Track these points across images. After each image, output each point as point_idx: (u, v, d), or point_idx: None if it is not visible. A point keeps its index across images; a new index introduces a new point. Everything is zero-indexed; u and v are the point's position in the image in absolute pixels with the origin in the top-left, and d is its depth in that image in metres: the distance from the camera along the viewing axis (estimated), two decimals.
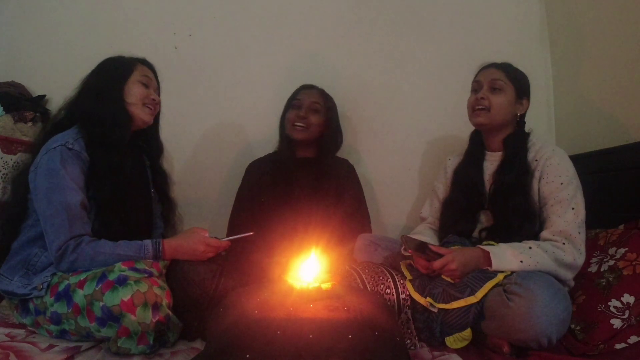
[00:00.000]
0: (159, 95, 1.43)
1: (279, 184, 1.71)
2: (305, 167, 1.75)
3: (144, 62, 1.40)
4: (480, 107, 1.41)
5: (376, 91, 2.10)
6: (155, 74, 1.43)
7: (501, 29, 2.10)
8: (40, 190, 1.17)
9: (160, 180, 1.49)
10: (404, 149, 2.09)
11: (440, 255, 1.25)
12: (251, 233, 1.36)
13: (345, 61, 2.09)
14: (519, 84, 1.42)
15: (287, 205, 1.67)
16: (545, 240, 1.27)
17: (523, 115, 1.44)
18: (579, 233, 1.26)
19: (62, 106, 1.34)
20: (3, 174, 1.63)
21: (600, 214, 1.45)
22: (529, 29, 2.11)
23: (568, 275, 1.25)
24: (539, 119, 2.07)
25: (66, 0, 2.06)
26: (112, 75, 1.33)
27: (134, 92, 1.32)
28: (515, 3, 2.12)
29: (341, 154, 1.92)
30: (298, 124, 1.72)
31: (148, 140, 1.46)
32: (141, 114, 1.34)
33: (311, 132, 1.73)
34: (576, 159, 1.38)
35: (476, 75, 1.48)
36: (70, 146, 1.19)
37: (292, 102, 1.77)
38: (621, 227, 1.41)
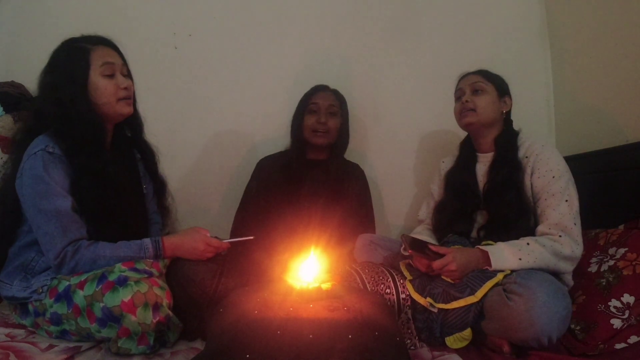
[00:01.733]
0: (128, 72, 1.26)
1: (288, 185, 1.70)
2: (315, 169, 1.74)
3: (98, 42, 1.22)
4: (466, 109, 1.45)
5: (378, 91, 2.09)
6: (115, 49, 1.24)
7: (501, 29, 2.10)
8: (28, 199, 1.13)
9: (147, 158, 1.39)
10: (406, 149, 2.09)
11: (440, 255, 1.26)
12: (252, 237, 1.34)
13: (346, 61, 2.09)
14: (498, 83, 1.48)
15: (293, 206, 1.67)
16: (542, 234, 1.28)
17: (509, 113, 1.49)
18: (575, 224, 1.27)
19: (30, 113, 1.21)
20: (3, 174, 1.63)
21: (600, 214, 1.45)
22: (529, 29, 2.12)
23: (568, 268, 1.26)
24: (539, 119, 2.07)
25: (66, 0, 2.06)
26: (69, 75, 1.17)
27: (100, 91, 1.19)
28: (515, 3, 2.12)
29: (345, 154, 1.92)
30: (319, 130, 1.70)
31: (128, 122, 1.33)
32: (118, 110, 1.23)
33: (331, 136, 1.72)
34: (576, 159, 1.38)
35: (457, 85, 1.53)
36: (50, 150, 1.13)
37: (309, 106, 1.72)
38: (621, 227, 1.41)
